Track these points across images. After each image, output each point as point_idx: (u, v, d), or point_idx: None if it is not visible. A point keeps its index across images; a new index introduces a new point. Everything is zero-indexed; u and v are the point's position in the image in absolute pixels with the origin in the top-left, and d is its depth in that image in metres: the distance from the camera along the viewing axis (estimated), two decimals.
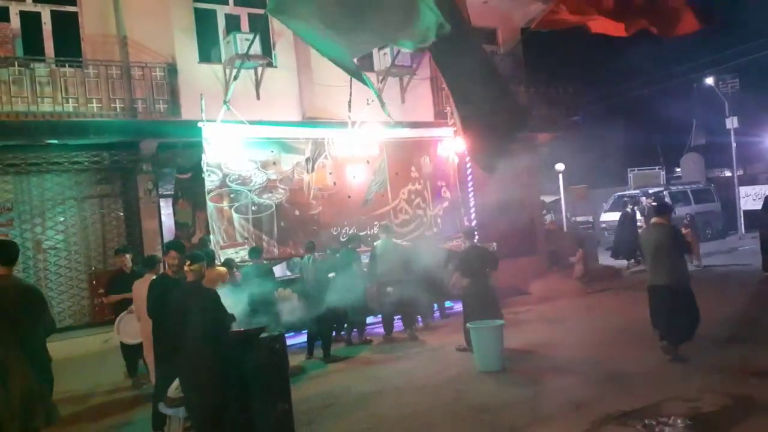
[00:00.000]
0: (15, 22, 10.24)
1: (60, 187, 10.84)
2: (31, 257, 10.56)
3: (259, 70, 11.73)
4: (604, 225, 20.97)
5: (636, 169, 25.02)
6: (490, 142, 7.87)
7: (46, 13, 10.53)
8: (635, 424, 5.43)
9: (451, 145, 12.88)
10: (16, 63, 9.86)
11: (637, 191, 21.80)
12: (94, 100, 10.38)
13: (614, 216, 19.00)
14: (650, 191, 20.81)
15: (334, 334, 9.81)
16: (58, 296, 10.67)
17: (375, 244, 10.58)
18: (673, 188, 22.02)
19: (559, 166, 18.02)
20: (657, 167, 25.77)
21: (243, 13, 12.03)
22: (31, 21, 10.41)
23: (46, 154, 10.41)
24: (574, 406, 6.06)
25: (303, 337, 9.88)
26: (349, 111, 11.36)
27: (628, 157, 26.77)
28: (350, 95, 11.18)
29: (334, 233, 10.98)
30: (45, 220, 10.70)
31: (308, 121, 12.00)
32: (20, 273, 10.35)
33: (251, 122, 10.48)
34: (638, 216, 17.40)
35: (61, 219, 10.85)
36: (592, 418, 5.68)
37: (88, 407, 7.56)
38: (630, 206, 17.54)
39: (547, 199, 22.47)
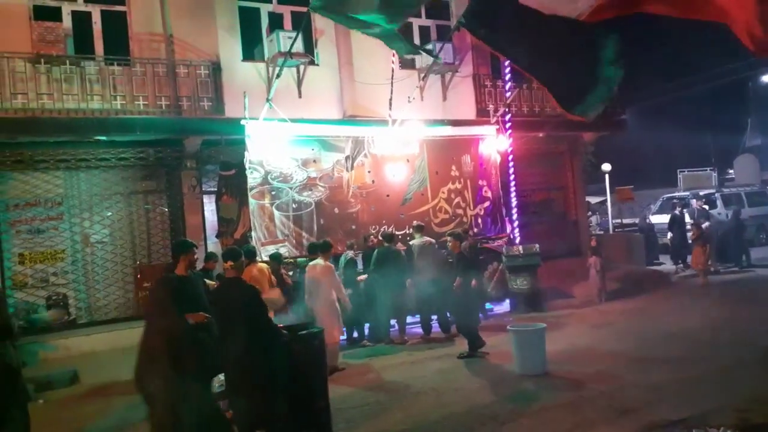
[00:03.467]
0: (67, 21, 10.56)
1: (107, 183, 11.13)
2: (80, 250, 10.86)
3: (301, 68, 11.79)
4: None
5: (686, 170, 24.19)
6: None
7: (96, 12, 10.82)
8: None
9: (494, 143, 12.69)
10: (67, 61, 10.17)
11: (687, 193, 21.08)
12: (140, 98, 10.62)
13: (662, 218, 18.41)
14: (701, 193, 20.09)
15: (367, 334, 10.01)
16: (105, 289, 10.95)
17: (411, 243, 10.51)
18: (726, 190, 21.21)
19: (606, 167, 17.55)
20: (708, 168, 24.85)
21: (286, 11, 12.11)
22: (82, 20, 10.72)
23: (95, 150, 10.72)
24: (617, 412, 5.86)
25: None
26: (390, 109, 11.30)
27: (677, 157, 25.94)
28: (391, 93, 11.13)
29: (373, 231, 10.94)
30: (93, 215, 11.00)
31: (349, 119, 12.01)
32: (69, 266, 10.70)
33: (293, 120, 10.55)
34: (687, 218, 16.82)
35: (108, 213, 11.13)
36: (636, 425, 5.48)
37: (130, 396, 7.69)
38: (679, 208, 16.97)
39: (593, 200, 21.97)
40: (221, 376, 5.44)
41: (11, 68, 9.74)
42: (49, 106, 9.95)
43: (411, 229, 10.96)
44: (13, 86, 9.75)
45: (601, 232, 19.36)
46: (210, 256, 8.66)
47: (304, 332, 5.88)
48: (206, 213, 11.65)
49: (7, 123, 9.63)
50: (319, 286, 8.25)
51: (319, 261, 8.42)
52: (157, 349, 4.32)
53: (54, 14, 10.45)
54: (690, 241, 14.33)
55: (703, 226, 14.82)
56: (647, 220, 18.90)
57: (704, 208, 17.46)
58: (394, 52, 11.37)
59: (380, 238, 10.46)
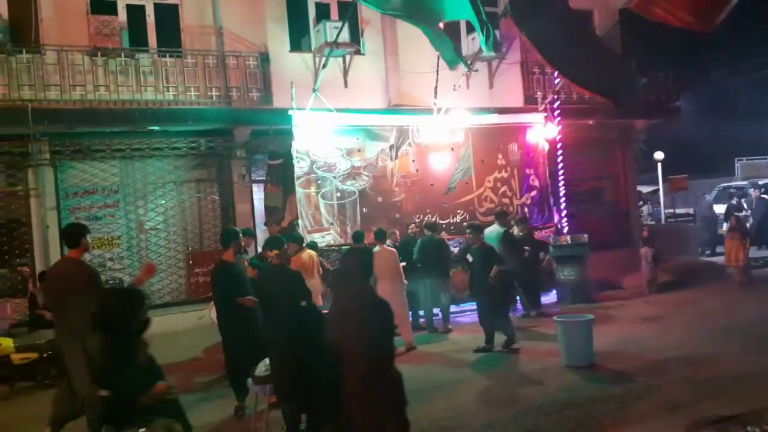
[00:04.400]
0: (122, 15, 10.89)
1: (161, 172, 11.47)
2: (135, 237, 11.26)
3: (347, 58, 11.84)
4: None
5: (744, 158, 23.21)
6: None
7: (149, 6, 11.10)
8: (735, 430, 5.06)
9: (542, 131, 12.49)
10: (122, 54, 10.51)
11: (745, 182, 20.23)
12: (192, 89, 10.88)
13: (718, 208, 17.75)
14: (760, 182, 19.26)
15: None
16: (158, 274, 11.28)
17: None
18: None
19: (658, 155, 17.02)
20: None
21: (333, 1, 12.16)
22: (136, 14, 11.02)
23: (149, 140, 11.06)
24: (667, 407, 5.74)
25: None
26: (435, 97, 11.25)
27: (735, 145, 24.88)
28: (436, 81, 11.07)
29: (417, 220, 10.97)
30: (147, 203, 11.37)
31: (394, 108, 12.01)
32: (125, 252, 11.11)
33: (338, 110, 10.64)
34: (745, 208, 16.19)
35: (162, 201, 11.49)
36: (686, 421, 5.36)
37: (183, 375, 7.97)
38: (736, 198, 16.33)
39: (645, 189, 21.37)
40: (267, 361, 5.56)
41: (70, 61, 10.12)
42: (105, 98, 10.31)
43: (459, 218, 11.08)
44: (72, 78, 10.14)
45: (653, 222, 18.83)
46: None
47: None
48: (255, 201, 11.90)
49: (67, 114, 10.03)
50: (387, 271, 8.53)
51: (377, 248, 8.74)
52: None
53: (110, 8, 10.77)
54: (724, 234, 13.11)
55: (741, 215, 13.76)
56: (711, 208, 17.92)
57: (763, 198, 16.74)
58: None
59: (423, 227, 10.51)
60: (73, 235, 5.38)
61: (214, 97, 11.07)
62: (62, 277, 5.32)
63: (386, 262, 8.63)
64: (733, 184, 20.63)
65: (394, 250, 9.01)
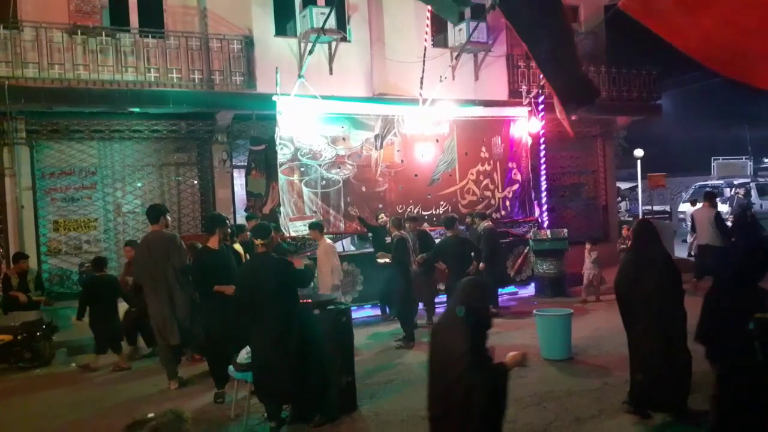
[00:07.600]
0: None
1: (140, 154, 11.27)
2: (112, 220, 11.07)
3: (333, 44, 11.73)
4: (682, 216, 20.01)
5: (720, 157, 23.63)
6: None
7: None
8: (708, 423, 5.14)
9: (525, 125, 12.53)
10: (103, 33, 10.26)
11: (721, 182, 20.64)
12: (174, 71, 10.69)
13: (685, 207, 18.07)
14: (735, 182, 19.66)
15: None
16: None
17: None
18: (761, 180, 20.73)
19: (638, 152, 17.20)
20: (744, 157, 24.25)
21: None
22: None
23: (128, 122, 10.85)
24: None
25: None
26: (421, 88, 11.21)
27: (712, 145, 25.32)
28: (422, 72, 11.03)
29: (399, 211, 10.95)
30: (125, 185, 11.18)
31: (379, 98, 11.95)
32: (101, 234, 10.91)
33: (323, 97, 10.54)
34: (720, 208, 16.42)
35: (140, 184, 11.30)
36: (662, 414, 5.45)
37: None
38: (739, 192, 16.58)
39: (623, 185, 21.64)
40: (248, 348, 5.51)
41: (49, 38, 9.87)
42: (85, 77, 10.07)
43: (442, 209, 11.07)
44: (50, 56, 9.89)
45: (631, 219, 19.05)
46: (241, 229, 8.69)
47: (332, 307, 5.94)
48: (236, 187, 11.77)
49: (44, 93, 9.80)
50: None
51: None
52: None
53: None
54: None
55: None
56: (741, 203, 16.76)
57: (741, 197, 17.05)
58: (426, 30, 11.31)
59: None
60: (156, 214, 6.79)
61: (196, 80, 10.89)
62: (152, 246, 6.61)
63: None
64: (709, 182, 21.02)
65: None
